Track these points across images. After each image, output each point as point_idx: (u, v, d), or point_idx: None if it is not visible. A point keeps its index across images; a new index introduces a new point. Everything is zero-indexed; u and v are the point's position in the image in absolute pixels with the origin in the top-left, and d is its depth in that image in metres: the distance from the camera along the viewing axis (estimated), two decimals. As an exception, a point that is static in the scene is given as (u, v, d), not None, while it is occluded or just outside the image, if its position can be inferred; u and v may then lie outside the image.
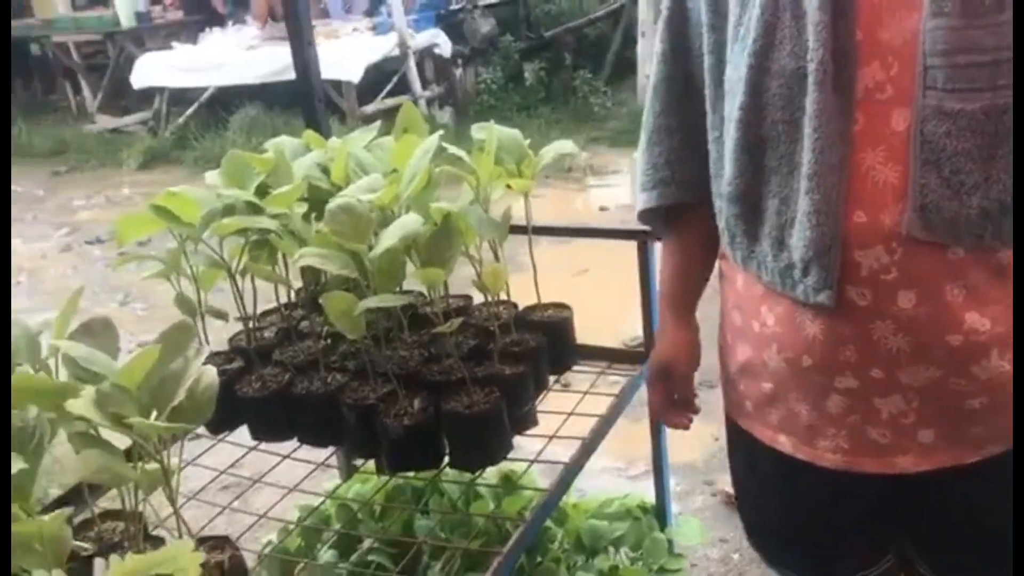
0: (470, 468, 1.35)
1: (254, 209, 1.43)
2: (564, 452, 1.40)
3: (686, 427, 1.27)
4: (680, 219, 1.20)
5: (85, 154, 7.52)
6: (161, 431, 0.88)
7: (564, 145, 1.50)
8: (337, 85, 6.94)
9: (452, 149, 1.45)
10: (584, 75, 7.39)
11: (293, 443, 1.48)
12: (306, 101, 1.74)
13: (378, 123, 1.71)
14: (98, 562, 1.01)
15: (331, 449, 1.75)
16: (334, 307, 1.28)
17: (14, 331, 1.06)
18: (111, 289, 4.64)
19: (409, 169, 1.37)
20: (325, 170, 1.55)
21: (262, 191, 1.46)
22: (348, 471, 1.87)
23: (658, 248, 1.46)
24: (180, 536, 0.95)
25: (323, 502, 1.61)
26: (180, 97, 7.76)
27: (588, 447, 1.36)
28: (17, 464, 0.75)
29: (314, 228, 1.42)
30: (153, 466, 0.93)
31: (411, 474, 1.67)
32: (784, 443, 1.09)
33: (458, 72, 7.75)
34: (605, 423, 1.41)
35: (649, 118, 1.16)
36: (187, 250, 1.43)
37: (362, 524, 1.63)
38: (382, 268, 1.28)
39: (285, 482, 1.54)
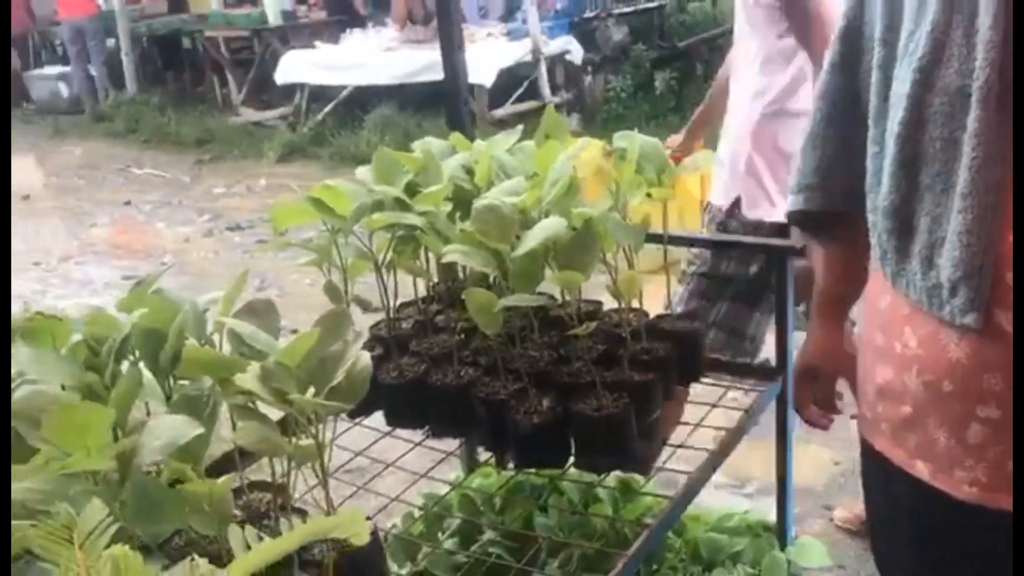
0: (596, 470, 1.38)
1: (402, 206, 1.50)
2: (687, 464, 1.41)
3: (825, 427, 1.36)
4: (836, 227, 1.22)
5: (228, 145, 7.91)
6: (319, 408, 0.94)
7: (704, 157, 1.51)
8: (469, 88, 7.06)
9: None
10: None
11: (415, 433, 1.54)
12: (452, 103, 1.80)
13: (520, 127, 1.76)
14: (233, 529, 1.07)
15: (456, 440, 1.82)
16: (475, 302, 1.32)
17: (184, 306, 1.15)
18: (250, 274, 4.87)
19: (552, 174, 1.40)
20: (469, 171, 1.60)
21: (410, 188, 1.53)
22: (470, 464, 1.93)
23: (796, 263, 1.45)
24: (328, 511, 1.01)
25: (449, 492, 1.66)
26: (320, 94, 8.07)
27: (715, 459, 1.36)
28: (194, 429, 0.82)
29: (458, 226, 1.47)
30: (307, 441, 0.99)
31: (532, 471, 1.71)
32: (921, 469, 1.07)
33: (588, 79, 7.79)
34: (734, 437, 1.41)
35: (810, 124, 1.18)
36: (337, 241, 1.51)
37: (483, 516, 1.68)
38: (522, 268, 1.32)
39: (413, 468, 1.60)
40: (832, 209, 1.19)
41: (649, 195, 1.48)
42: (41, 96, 10.68)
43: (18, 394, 0.88)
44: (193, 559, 0.49)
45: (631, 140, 1.48)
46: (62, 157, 8.67)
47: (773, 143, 2.06)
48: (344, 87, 7.93)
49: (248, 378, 0.97)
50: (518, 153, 1.67)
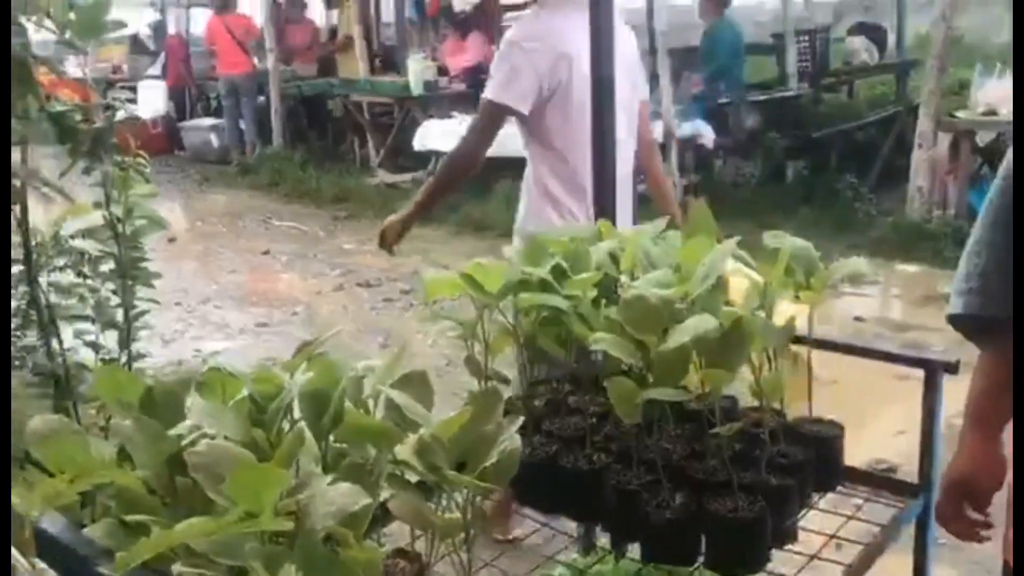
0: (726, 572, 1.35)
1: (548, 288, 1.54)
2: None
3: (979, 541, 1.29)
4: (996, 331, 1.20)
5: (363, 203, 8.23)
6: (471, 487, 0.97)
7: (858, 264, 1.49)
8: (599, 165, 7.17)
9: (740, 254, 1.50)
10: (849, 179, 7.18)
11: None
12: (602, 190, 1.84)
13: (667, 217, 1.78)
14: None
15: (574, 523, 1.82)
16: (617, 391, 1.34)
17: (347, 371, 1.20)
18: (374, 330, 5.01)
19: (703, 269, 1.42)
20: (613, 257, 1.64)
21: (556, 271, 1.57)
22: (587, 548, 1.92)
23: (948, 379, 1.42)
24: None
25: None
26: (452, 162, 8.32)
27: (854, 574, 1.32)
28: (363, 499, 0.86)
29: (602, 312, 1.50)
30: (454, 516, 1.01)
31: (651, 564, 1.70)
32: None
33: (718, 164, 7.78)
34: (873, 551, 1.37)
35: (977, 228, 1.18)
36: (483, 317, 1.56)
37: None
38: (668, 361, 1.33)
39: (529, 544, 1.61)
40: (993, 314, 1.18)
41: (797, 297, 1.48)
42: (193, 144, 11.39)
43: (199, 446, 0.94)
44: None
45: (783, 241, 1.48)
46: (207, 204, 9.19)
47: None
48: (477, 156, 8.16)
49: (406, 450, 1.02)
50: (661, 243, 1.69)
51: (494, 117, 2.77)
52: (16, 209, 2.17)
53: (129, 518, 0.89)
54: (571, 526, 1.72)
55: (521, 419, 1.05)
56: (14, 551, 0.72)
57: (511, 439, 1.02)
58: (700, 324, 1.28)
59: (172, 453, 0.99)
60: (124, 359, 2.80)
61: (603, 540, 1.78)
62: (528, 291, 1.54)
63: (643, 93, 3.02)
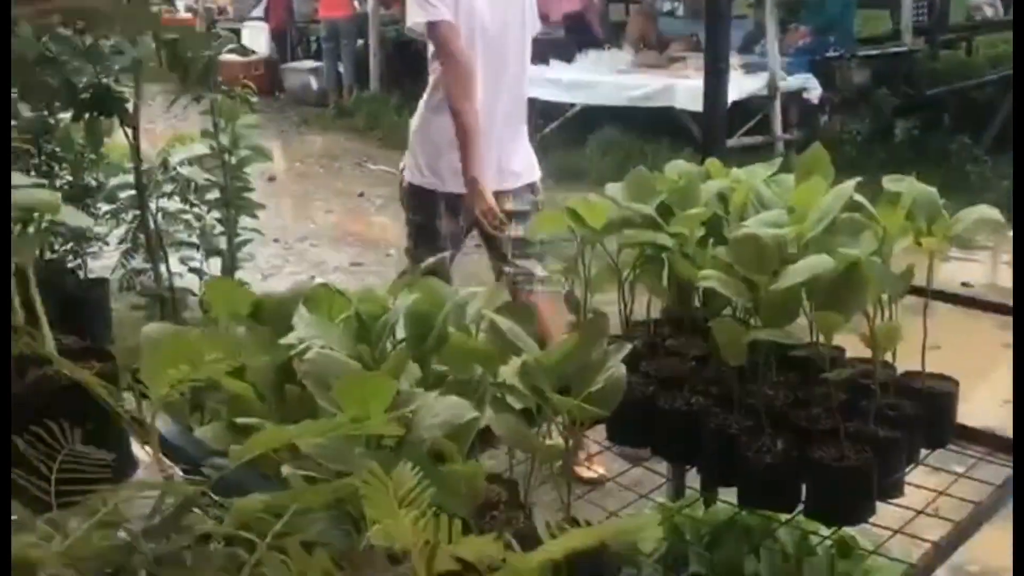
0: (829, 521, 1.32)
1: (653, 225, 1.50)
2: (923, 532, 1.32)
3: None
4: None
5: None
6: (576, 410, 0.95)
7: (987, 211, 1.41)
8: (697, 116, 7.01)
9: (857, 197, 1.43)
10: (963, 140, 6.84)
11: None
12: (711, 129, 1.79)
13: (779, 159, 1.72)
14: (537, 512, 1.07)
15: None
16: (723, 332, 1.30)
17: (450, 297, 1.20)
18: (461, 273, 5.03)
19: (818, 210, 1.36)
20: (723, 199, 1.58)
21: (662, 209, 1.53)
22: (678, 490, 1.90)
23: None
24: (567, 512, 1.02)
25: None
26: (548, 110, 8.24)
27: (963, 532, 1.27)
28: (470, 412, 0.85)
29: (709, 252, 1.46)
30: (557, 442, 1.00)
31: (743, 511, 1.67)
32: None
33: (823, 119, 7.51)
34: (983, 512, 1.31)
35: None
36: (584, 253, 1.53)
37: (690, 546, 1.65)
38: (777, 303, 1.29)
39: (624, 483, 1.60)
40: None
41: (919, 243, 1.41)
42: (293, 86, 11.55)
43: (309, 354, 0.95)
44: (499, 535, 0.51)
45: (904, 184, 1.41)
46: (305, 146, 9.32)
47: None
48: (572, 105, 8.06)
49: (510, 371, 1.01)
50: (774, 186, 1.63)
51: (445, 36, 2.86)
52: (129, 133, 2.23)
53: (240, 420, 0.90)
54: (653, 469, 1.70)
55: (628, 346, 1.02)
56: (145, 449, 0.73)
57: (616, 366, 1.00)
58: (816, 264, 1.22)
59: (282, 361, 1.00)
60: (227, 286, 2.86)
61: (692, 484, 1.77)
62: (632, 228, 1.51)
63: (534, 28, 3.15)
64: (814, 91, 7.36)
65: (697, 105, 6.88)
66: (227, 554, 0.55)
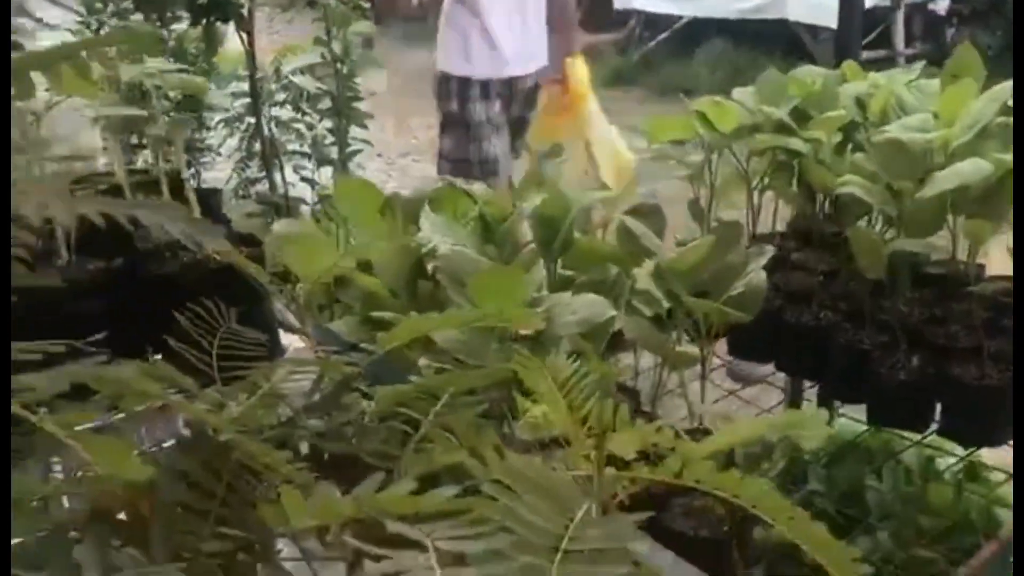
0: (965, 442, 1.26)
1: (786, 130, 1.43)
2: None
3: None
4: None
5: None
6: (715, 313, 0.92)
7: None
8: (812, 29, 6.68)
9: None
10: (1106, 54, 6.33)
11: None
12: (845, 38, 1.68)
13: (920, 64, 1.61)
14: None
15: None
16: (861, 242, 1.24)
17: (576, 200, 1.17)
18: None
19: (969, 115, 1.27)
20: (860, 102, 1.49)
21: (796, 114, 1.46)
22: (793, 404, 1.85)
23: None
24: (695, 419, 1.00)
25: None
26: (654, 22, 7.98)
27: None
28: (609, 311, 0.83)
29: (847, 159, 1.38)
30: (690, 349, 0.98)
31: (864, 431, 1.62)
32: None
33: (950, 32, 7.06)
34: None
35: None
36: (711, 159, 1.47)
37: (809, 464, 1.61)
38: (923, 212, 1.21)
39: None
40: None
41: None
42: None
43: (443, 251, 0.94)
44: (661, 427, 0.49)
45: (1068, 88, 1.30)
46: (407, 61, 9.29)
47: None
48: (680, 17, 7.78)
49: (643, 274, 0.98)
50: (915, 92, 1.53)
51: None
52: (244, 39, 2.24)
53: (375, 314, 0.90)
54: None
55: (770, 250, 0.98)
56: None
57: (757, 271, 0.96)
58: (970, 170, 1.14)
59: (414, 258, 1.00)
60: (337, 195, 2.89)
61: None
62: (764, 132, 1.44)
63: None
64: (941, 2, 6.90)
65: (812, 17, 6.62)
66: (388, 430, 0.55)
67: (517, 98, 3.12)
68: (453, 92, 3.07)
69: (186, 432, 0.52)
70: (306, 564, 0.50)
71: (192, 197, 1.39)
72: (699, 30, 7.64)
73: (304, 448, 0.54)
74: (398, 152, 6.04)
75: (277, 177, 2.73)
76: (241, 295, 0.72)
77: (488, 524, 0.37)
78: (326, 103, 2.87)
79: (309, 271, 0.76)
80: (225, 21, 2.20)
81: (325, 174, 3.20)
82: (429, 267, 1.01)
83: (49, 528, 0.42)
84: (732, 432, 0.52)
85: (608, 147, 3.20)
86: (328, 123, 2.88)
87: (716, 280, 0.97)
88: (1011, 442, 1.24)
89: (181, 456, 0.46)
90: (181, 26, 2.47)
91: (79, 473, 0.45)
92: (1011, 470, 1.40)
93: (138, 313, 1.05)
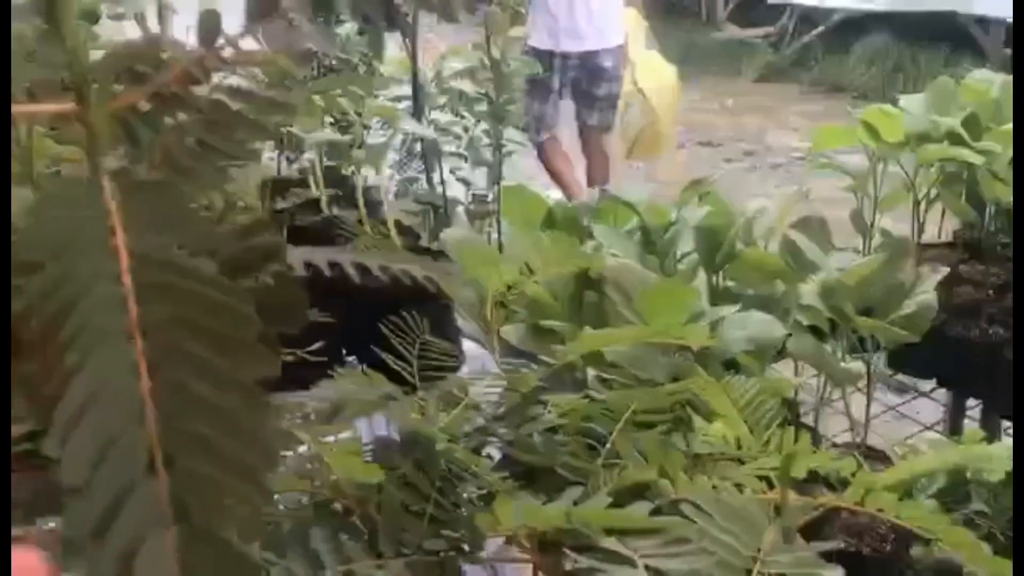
0: None
1: (957, 140, 1.39)
2: None
3: None
4: None
5: (706, 60, 7.95)
6: (881, 332, 0.92)
7: None
8: (984, 22, 6.32)
9: None
10: None
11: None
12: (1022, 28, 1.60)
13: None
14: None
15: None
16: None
17: (738, 212, 1.18)
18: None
19: None
20: (1041, 113, 1.43)
21: (969, 121, 1.41)
22: (955, 425, 1.79)
23: None
24: (859, 437, 1.00)
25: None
26: (809, 16, 7.74)
27: None
28: (780, 330, 0.84)
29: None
30: (856, 365, 0.97)
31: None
32: None
33: None
34: None
35: None
36: (877, 169, 1.45)
37: (972, 485, 1.55)
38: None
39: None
40: None
41: None
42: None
43: (611, 263, 0.97)
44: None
45: None
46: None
47: None
48: (835, 10, 7.51)
49: (808, 291, 0.98)
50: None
51: None
52: (408, 45, 2.34)
53: (544, 323, 0.95)
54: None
55: (944, 271, 0.97)
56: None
57: (928, 292, 0.95)
58: None
59: (580, 268, 1.03)
60: (491, 197, 2.98)
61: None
62: (933, 143, 1.40)
63: None
64: None
65: (989, 7, 6.23)
66: (575, 443, 0.60)
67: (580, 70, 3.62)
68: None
69: (388, 435, 0.58)
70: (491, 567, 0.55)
71: (360, 198, 1.48)
72: (857, 24, 7.36)
73: (496, 456, 0.59)
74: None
75: (435, 177, 2.84)
76: (429, 304, 0.78)
77: (686, 543, 0.40)
78: (483, 106, 2.95)
79: (495, 281, 0.81)
80: (391, 28, 2.30)
81: (479, 175, 3.29)
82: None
83: (282, 517, 0.48)
84: (918, 464, 0.53)
85: (652, 63, 4.05)
86: (484, 125, 2.97)
87: (884, 298, 0.96)
88: None
89: (400, 459, 0.51)
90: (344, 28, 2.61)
91: (308, 466, 0.52)
92: None
93: (342, 323, 1.13)
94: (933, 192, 1.44)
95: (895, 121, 1.39)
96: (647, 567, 0.37)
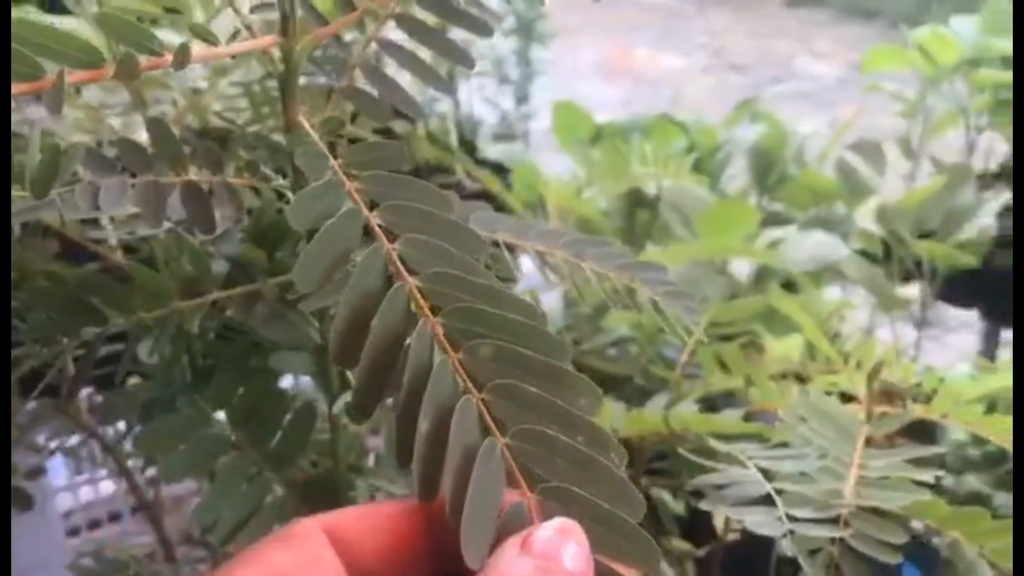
0: None
1: (1011, 64, 1.36)
2: None
3: None
4: None
5: (735, -18, 7.75)
6: (941, 256, 0.91)
7: None
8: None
9: None
10: None
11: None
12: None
13: None
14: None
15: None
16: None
17: (793, 132, 1.16)
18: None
19: None
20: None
21: (1026, 47, 1.38)
22: (990, 354, 1.79)
23: None
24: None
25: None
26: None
27: None
28: (842, 250, 0.84)
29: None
30: (908, 290, 0.97)
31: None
32: None
33: None
34: None
35: None
36: (928, 93, 1.42)
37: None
38: None
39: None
40: None
41: None
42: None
43: (667, 182, 0.96)
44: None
45: None
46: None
47: None
48: (871, -68, 7.28)
49: (865, 214, 0.97)
50: None
51: None
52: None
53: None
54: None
55: (1005, 196, 0.95)
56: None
57: (987, 217, 0.94)
58: None
59: (631, 187, 1.03)
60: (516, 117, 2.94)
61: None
62: (987, 67, 1.37)
63: None
64: None
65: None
66: (647, 354, 0.60)
67: None
68: None
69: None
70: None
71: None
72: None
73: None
74: (565, 70, 6.02)
75: (461, 96, 2.81)
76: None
77: (787, 448, 0.41)
78: (510, 22, 2.90)
79: (560, 198, 0.80)
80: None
81: (504, 93, 3.26)
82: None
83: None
84: (994, 380, 0.53)
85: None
86: (511, 43, 2.92)
87: (944, 223, 0.95)
88: None
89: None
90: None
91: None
92: None
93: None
94: (984, 120, 1.41)
95: (948, 44, 1.36)
96: (758, 467, 0.38)
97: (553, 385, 0.27)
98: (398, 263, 0.29)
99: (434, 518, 0.27)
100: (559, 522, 0.25)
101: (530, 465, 0.26)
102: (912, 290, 0.97)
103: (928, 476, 0.39)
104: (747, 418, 0.47)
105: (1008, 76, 1.33)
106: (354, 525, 0.27)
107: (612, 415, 0.46)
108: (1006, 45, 1.36)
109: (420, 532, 0.27)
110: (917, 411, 0.47)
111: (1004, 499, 0.93)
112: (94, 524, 0.83)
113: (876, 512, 0.38)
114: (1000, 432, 0.47)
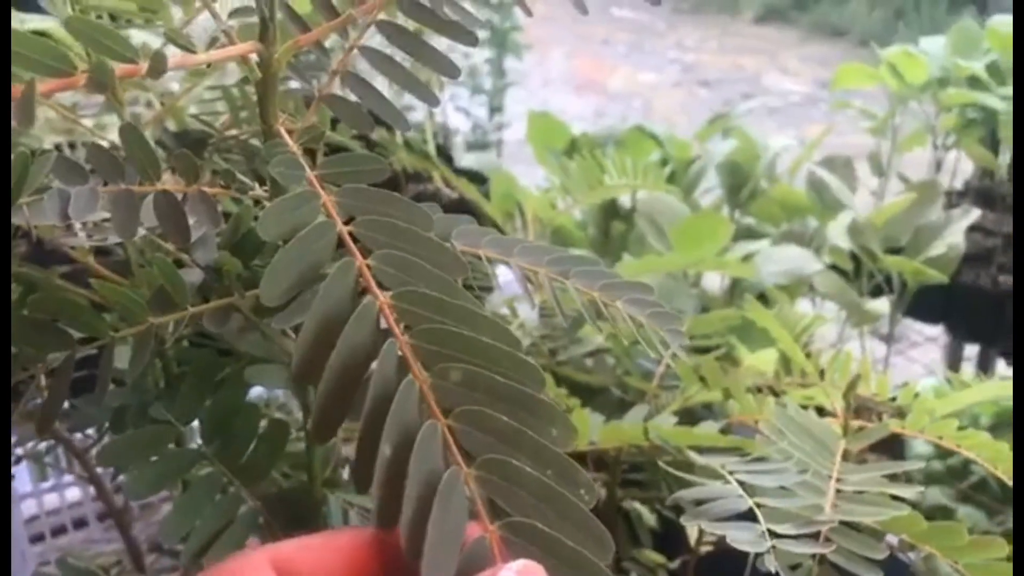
0: None
1: (980, 85, 1.38)
2: None
3: None
4: None
5: (706, -2, 7.84)
6: (909, 271, 0.92)
7: None
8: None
9: None
10: None
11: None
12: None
13: None
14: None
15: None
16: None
17: (765, 147, 1.17)
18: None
19: None
20: (1063, 60, 1.42)
21: (992, 68, 1.40)
22: (953, 366, 1.82)
23: None
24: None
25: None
26: (811, -43, 7.61)
27: None
28: (813, 264, 0.84)
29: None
30: (878, 304, 0.98)
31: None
32: None
33: None
34: None
35: None
36: (897, 111, 1.44)
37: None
38: None
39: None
40: None
41: None
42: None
43: (642, 194, 0.96)
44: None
45: None
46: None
47: None
48: (839, -48, 7.40)
49: (836, 228, 0.98)
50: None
51: None
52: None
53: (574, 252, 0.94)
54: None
55: (976, 212, 0.97)
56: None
57: (958, 233, 0.95)
58: None
59: (607, 198, 1.03)
60: (490, 128, 2.95)
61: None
62: (955, 86, 1.39)
63: None
64: None
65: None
66: (623, 365, 0.60)
67: None
68: None
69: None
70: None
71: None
72: (860, -34, 7.26)
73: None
74: (539, 82, 6.05)
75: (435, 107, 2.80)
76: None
77: (765, 462, 0.41)
78: (484, 33, 2.90)
79: (541, 208, 0.80)
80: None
81: (477, 103, 3.26)
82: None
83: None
84: (967, 395, 0.54)
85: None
86: (486, 53, 2.93)
87: (913, 239, 0.96)
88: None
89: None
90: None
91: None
92: None
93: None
94: (950, 139, 1.44)
95: (919, 63, 1.38)
96: (738, 482, 0.38)
97: (525, 414, 0.26)
98: (369, 278, 0.28)
99: (393, 550, 0.25)
100: (522, 564, 0.24)
101: (495, 498, 0.25)
102: (881, 305, 0.97)
103: (910, 492, 0.39)
104: (725, 431, 0.47)
105: (974, 96, 1.36)
106: (306, 558, 0.25)
107: (590, 426, 0.46)
108: (974, 65, 1.39)
109: (377, 566, 0.26)
110: (893, 426, 0.47)
111: (966, 512, 0.94)
112: (59, 530, 0.81)
113: (854, 528, 0.38)
114: (975, 446, 0.47)
